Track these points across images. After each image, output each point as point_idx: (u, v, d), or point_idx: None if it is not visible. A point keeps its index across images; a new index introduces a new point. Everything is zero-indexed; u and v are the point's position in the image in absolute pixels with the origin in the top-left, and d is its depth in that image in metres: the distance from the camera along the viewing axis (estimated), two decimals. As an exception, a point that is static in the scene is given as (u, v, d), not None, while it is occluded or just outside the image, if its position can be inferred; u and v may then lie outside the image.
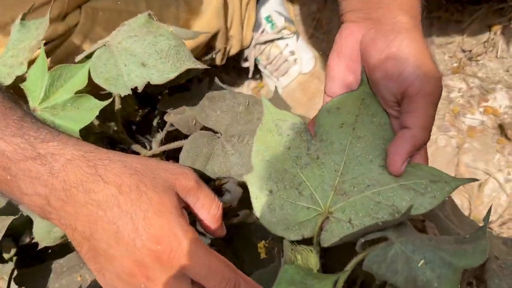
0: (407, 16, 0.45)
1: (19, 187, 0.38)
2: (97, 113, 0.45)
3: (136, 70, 0.40)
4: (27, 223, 0.73)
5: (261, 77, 1.15)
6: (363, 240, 0.40)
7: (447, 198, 0.51)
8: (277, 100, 1.04)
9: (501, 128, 0.88)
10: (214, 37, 0.92)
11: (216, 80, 0.55)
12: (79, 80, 0.46)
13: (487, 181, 0.86)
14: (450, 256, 0.37)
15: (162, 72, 0.42)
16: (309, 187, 0.45)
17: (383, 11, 0.45)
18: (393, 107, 0.45)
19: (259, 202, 0.45)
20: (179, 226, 0.39)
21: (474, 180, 0.42)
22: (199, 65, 0.43)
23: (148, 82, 0.42)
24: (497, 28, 0.91)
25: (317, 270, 0.43)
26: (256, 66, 1.09)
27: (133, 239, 0.37)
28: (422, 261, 0.37)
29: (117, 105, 0.52)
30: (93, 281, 0.54)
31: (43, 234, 0.49)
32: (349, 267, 0.41)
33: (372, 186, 0.43)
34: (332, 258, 0.47)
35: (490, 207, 0.44)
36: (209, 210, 0.45)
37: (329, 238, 0.43)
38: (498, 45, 0.91)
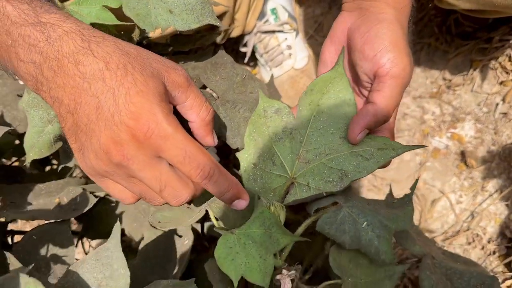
0: (392, 10, 0.50)
1: (17, 54, 0.39)
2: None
3: (164, 15, 0.45)
4: (11, 143, 0.76)
5: (255, 65, 1.21)
6: (315, 208, 0.47)
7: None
8: (270, 87, 1.10)
9: (463, 155, 0.96)
10: (220, 16, 0.96)
11: (222, 49, 0.60)
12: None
13: (440, 199, 0.94)
14: (386, 220, 0.44)
15: (186, 21, 0.47)
16: (279, 157, 0.51)
17: (372, 3, 0.51)
18: (367, 87, 0.51)
19: (245, 174, 0.52)
20: (160, 108, 0.38)
21: (422, 146, 0.48)
22: (218, 23, 0.49)
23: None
24: (478, 65, 0.99)
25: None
26: (253, 53, 1.14)
27: (112, 114, 0.37)
28: (365, 223, 0.44)
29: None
30: (72, 200, 0.58)
31: (33, 139, 0.52)
32: (302, 227, 0.48)
33: (329, 155, 0.49)
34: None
35: (417, 180, 0.52)
36: (198, 112, 0.44)
37: (290, 199, 0.49)
38: (476, 80, 0.99)
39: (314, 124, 0.51)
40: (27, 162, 0.55)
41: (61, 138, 0.54)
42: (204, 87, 0.55)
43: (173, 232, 0.62)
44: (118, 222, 0.43)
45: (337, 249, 0.47)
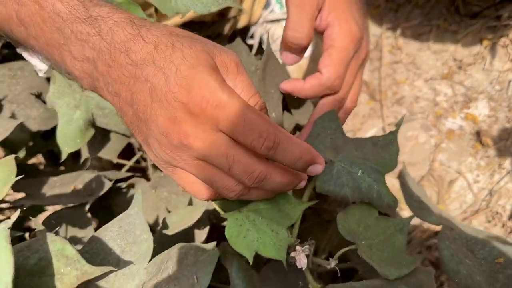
0: None
1: (70, 52, 0.38)
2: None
3: (184, -1, 0.45)
4: (24, 141, 0.76)
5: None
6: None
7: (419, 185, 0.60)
8: (281, 68, 1.10)
9: (478, 134, 0.95)
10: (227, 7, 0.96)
11: (239, 38, 0.60)
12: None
13: (457, 179, 0.93)
14: (375, 164, 0.45)
15: (206, 5, 0.46)
16: None
17: None
18: None
19: None
20: (212, 77, 0.36)
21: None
22: (238, 5, 0.48)
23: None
24: (488, 43, 0.99)
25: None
26: (259, 45, 1.13)
27: (165, 93, 0.35)
28: (359, 171, 0.45)
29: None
30: (87, 185, 0.57)
31: (65, 130, 0.52)
32: (308, 191, 0.48)
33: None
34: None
35: (403, 117, 0.53)
36: (247, 100, 0.41)
37: None
38: (486, 58, 0.99)
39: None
40: (64, 157, 0.54)
41: (92, 123, 0.54)
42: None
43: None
44: (139, 191, 0.43)
45: (343, 215, 0.47)
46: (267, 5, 1.07)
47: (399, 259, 0.46)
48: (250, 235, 0.42)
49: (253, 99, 0.41)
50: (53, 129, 0.60)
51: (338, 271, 0.47)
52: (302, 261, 0.44)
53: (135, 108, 0.37)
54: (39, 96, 0.69)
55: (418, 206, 0.52)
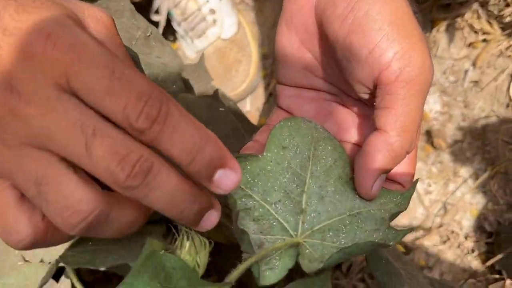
0: None
1: None
2: None
3: None
4: None
5: (175, 39, 0.98)
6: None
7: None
8: (199, 68, 0.89)
9: (429, 134, 0.80)
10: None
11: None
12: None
13: (406, 191, 0.78)
14: None
15: None
16: None
17: None
18: (365, 99, 0.34)
19: None
20: (66, 14, 0.25)
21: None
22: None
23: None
24: (441, 25, 0.83)
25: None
26: (169, 22, 0.92)
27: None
28: None
29: None
30: None
31: None
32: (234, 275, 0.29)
33: None
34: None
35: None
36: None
37: None
38: (439, 43, 0.83)
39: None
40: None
41: None
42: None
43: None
44: None
45: None
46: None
47: None
48: None
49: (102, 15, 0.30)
50: None
51: None
52: None
53: None
54: None
55: (386, 270, 0.34)
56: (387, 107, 0.31)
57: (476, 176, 0.76)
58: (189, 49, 0.94)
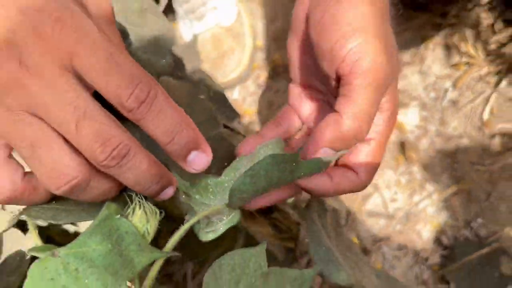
0: None
1: None
2: None
3: None
4: None
5: (173, 19, 1.00)
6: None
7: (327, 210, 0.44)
8: (190, 48, 0.90)
9: (402, 146, 0.83)
10: None
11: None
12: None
13: (372, 195, 0.81)
14: None
15: None
16: None
17: None
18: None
19: None
20: (72, 4, 0.28)
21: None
22: None
23: None
24: (429, 42, 0.86)
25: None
26: (170, 1, 0.94)
27: None
28: None
29: None
30: None
31: None
32: (174, 239, 0.33)
33: None
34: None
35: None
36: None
37: None
38: (426, 60, 0.86)
39: None
40: None
41: None
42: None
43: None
44: None
45: (212, 272, 0.31)
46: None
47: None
48: None
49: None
50: None
51: None
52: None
53: None
54: None
55: (325, 258, 0.37)
56: (344, 95, 0.35)
57: (441, 191, 0.79)
58: (186, 30, 0.96)
